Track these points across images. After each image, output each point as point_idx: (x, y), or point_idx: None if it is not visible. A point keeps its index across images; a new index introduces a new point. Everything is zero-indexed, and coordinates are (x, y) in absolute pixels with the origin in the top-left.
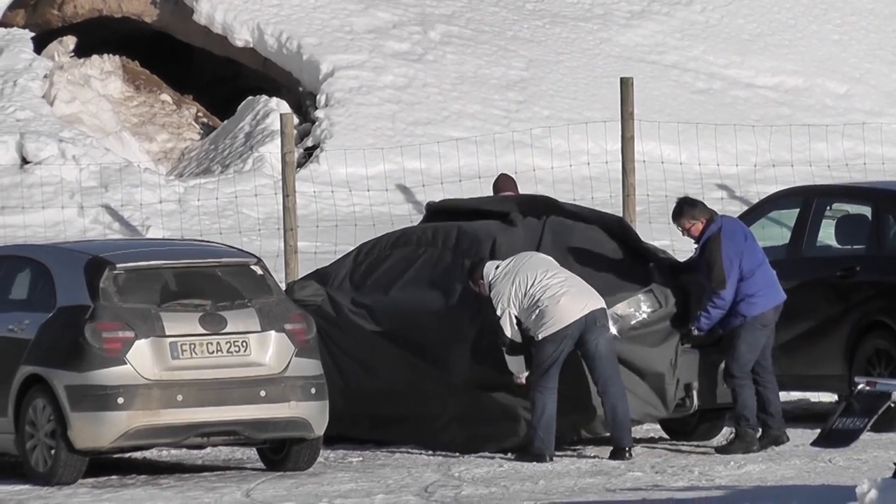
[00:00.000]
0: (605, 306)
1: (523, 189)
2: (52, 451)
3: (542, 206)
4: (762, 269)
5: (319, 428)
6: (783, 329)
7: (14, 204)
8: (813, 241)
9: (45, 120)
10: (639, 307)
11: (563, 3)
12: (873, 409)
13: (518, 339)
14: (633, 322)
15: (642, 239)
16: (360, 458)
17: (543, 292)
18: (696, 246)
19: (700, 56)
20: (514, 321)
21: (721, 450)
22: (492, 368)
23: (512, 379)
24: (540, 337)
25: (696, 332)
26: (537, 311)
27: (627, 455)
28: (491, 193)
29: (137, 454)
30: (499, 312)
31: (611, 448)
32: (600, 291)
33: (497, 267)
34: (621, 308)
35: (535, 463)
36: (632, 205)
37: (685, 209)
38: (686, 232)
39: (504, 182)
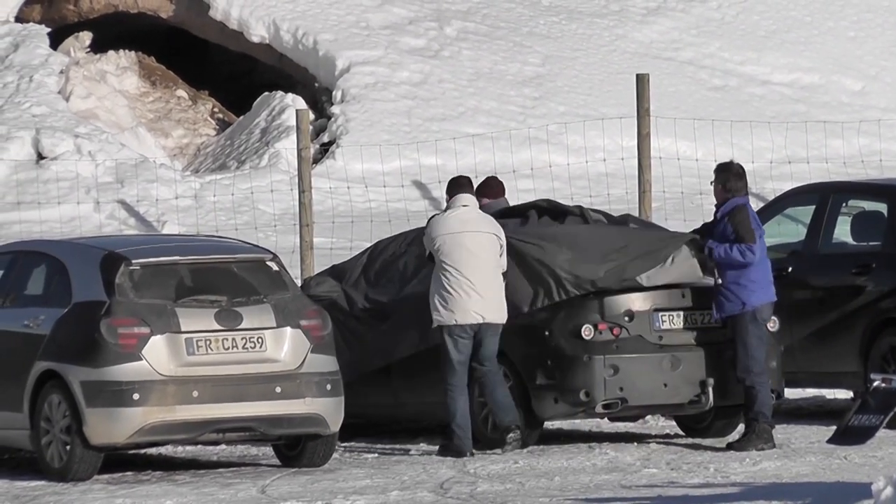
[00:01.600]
0: (501, 322)
1: (540, 184)
2: (68, 447)
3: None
4: (763, 263)
5: (335, 424)
6: (799, 325)
7: (30, 199)
8: (829, 238)
9: (60, 115)
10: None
11: (579, 0)
12: (889, 406)
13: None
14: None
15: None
16: (376, 455)
17: (459, 279)
18: (714, 210)
19: (716, 53)
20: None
21: (736, 446)
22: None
23: None
24: (435, 324)
25: (707, 249)
26: (442, 291)
27: (514, 429)
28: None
29: (153, 450)
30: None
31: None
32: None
33: (466, 207)
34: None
35: (456, 458)
36: (648, 201)
37: (721, 168)
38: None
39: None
